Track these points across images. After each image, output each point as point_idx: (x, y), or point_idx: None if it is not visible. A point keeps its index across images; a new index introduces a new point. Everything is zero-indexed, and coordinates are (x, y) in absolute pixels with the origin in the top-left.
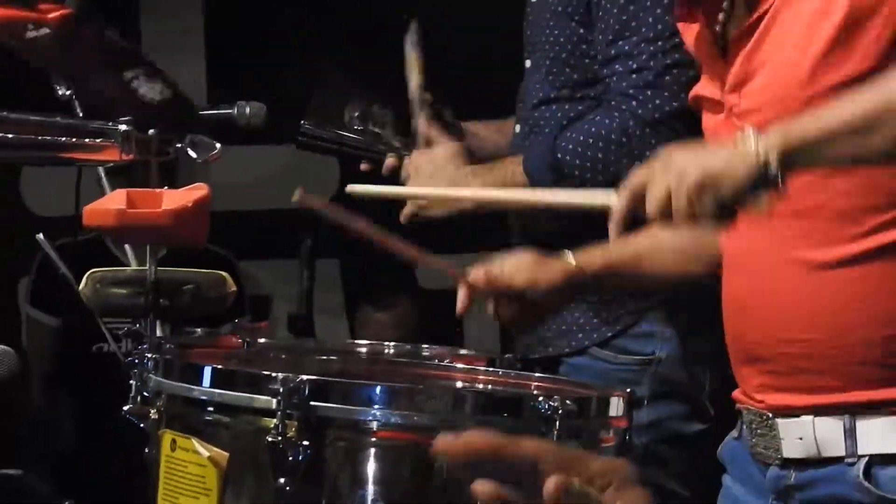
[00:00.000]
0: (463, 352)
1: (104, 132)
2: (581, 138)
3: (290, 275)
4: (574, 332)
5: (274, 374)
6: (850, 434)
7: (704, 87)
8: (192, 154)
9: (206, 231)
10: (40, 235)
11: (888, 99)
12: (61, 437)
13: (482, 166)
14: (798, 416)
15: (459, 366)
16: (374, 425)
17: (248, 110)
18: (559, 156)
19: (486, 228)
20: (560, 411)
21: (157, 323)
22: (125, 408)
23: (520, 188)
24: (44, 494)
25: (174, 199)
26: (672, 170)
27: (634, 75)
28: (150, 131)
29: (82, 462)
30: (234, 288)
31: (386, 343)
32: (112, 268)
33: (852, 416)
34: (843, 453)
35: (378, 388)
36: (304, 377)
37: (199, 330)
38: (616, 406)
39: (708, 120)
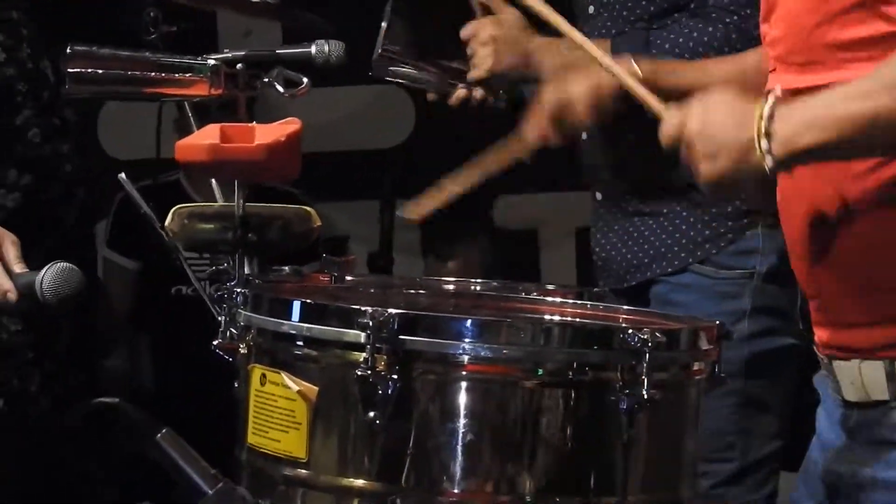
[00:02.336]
0: (551, 286)
1: (193, 67)
2: (680, 41)
3: (364, 216)
4: (676, 253)
5: (363, 308)
6: (892, 378)
7: None
8: (280, 88)
9: (298, 166)
10: (122, 175)
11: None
12: (141, 377)
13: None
14: (848, 359)
15: (548, 299)
16: (464, 359)
17: (326, 48)
18: (654, 52)
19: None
20: (650, 343)
21: (245, 259)
22: (214, 342)
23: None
24: (140, 422)
25: (267, 133)
26: (697, 146)
27: None
28: (238, 66)
29: (166, 403)
30: (319, 223)
31: (474, 280)
32: (200, 203)
33: (893, 360)
34: (887, 397)
35: (468, 322)
36: (393, 311)
37: (286, 268)
38: (705, 338)
39: None
